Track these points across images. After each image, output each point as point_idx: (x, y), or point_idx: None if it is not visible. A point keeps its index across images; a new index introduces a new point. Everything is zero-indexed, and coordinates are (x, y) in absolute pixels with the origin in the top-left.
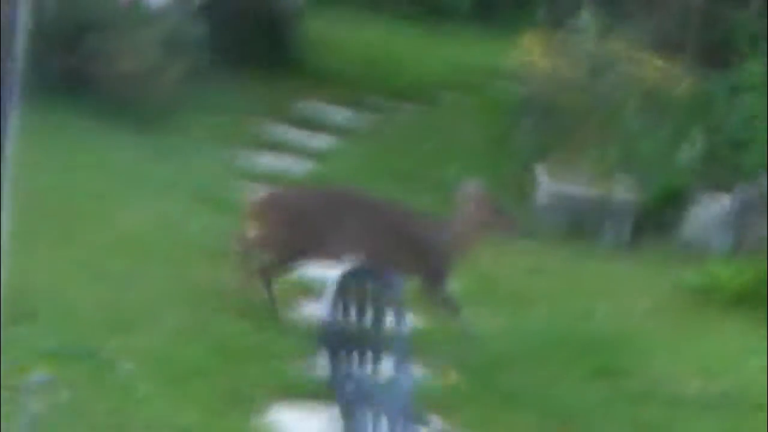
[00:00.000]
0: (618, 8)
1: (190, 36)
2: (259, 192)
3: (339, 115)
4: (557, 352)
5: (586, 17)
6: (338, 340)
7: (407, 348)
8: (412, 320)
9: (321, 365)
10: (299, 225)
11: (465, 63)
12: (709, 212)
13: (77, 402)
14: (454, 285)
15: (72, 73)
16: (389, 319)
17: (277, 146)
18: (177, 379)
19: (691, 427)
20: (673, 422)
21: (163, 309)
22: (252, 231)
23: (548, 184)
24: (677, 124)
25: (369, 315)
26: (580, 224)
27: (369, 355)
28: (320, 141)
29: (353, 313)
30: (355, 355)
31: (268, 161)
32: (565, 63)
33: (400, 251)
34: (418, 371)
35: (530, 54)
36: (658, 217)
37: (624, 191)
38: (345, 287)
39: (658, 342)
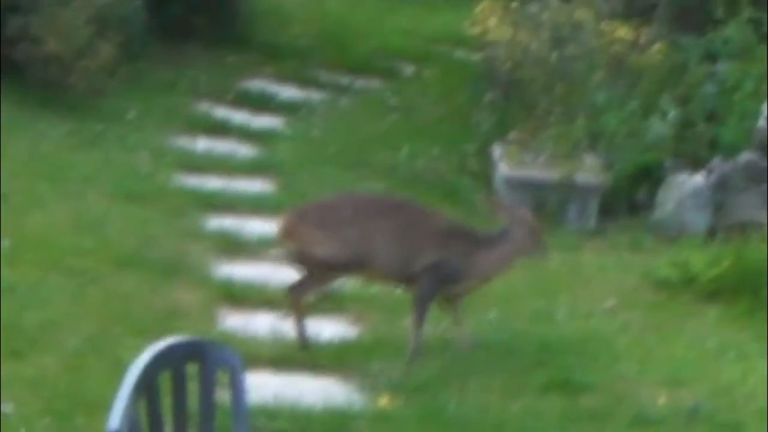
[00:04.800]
0: None
1: (122, 11)
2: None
3: (287, 93)
4: (509, 363)
5: None
6: None
7: None
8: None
9: None
10: (334, 238)
11: (426, 32)
12: (683, 191)
13: None
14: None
15: None
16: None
17: (218, 129)
18: (64, 418)
19: None
20: None
21: (63, 329)
22: (286, 250)
23: (505, 167)
24: (647, 96)
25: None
26: (541, 208)
27: None
28: (265, 122)
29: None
30: None
31: (208, 146)
32: (524, 32)
33: (424, 254)
34: (346, 392)
35: (486, 23)
36: (626, 198)
37: (589, 171)
38: (150, 377)
39: (623, 346)
